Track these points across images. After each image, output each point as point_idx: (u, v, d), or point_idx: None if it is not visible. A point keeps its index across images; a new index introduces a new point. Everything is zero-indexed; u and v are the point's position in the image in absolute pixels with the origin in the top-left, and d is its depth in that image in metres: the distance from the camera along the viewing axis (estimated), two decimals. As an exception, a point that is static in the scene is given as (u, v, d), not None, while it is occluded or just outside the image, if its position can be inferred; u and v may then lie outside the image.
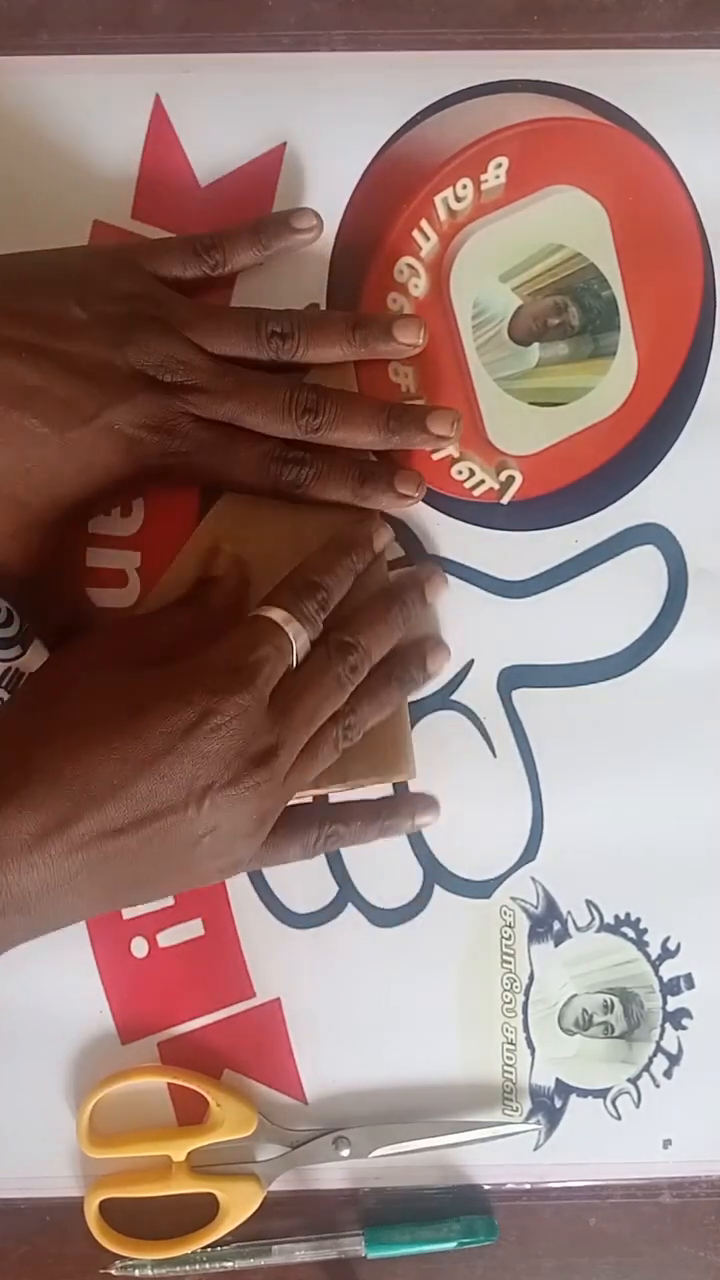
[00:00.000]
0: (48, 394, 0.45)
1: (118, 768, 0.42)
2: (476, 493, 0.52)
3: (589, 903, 0.53)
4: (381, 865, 0.52)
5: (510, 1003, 0.53)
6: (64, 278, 0.47)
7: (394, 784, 0.52)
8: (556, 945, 0.53)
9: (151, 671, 0.44)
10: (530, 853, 0.53)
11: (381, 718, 0.50)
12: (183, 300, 0.48)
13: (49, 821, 0.41)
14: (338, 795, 0.51)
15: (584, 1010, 0.53)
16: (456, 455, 0.52)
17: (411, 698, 0.52)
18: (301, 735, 0.46)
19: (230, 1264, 0.51)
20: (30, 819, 0.41)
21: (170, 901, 0.52)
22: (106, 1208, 0.52)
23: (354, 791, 0.51)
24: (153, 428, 0.47)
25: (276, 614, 0.46)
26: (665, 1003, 0.53)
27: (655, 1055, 0.53)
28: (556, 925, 0.53)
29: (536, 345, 0.52)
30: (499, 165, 0.51)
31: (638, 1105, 0.53)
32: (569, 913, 0.53)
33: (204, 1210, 0.51)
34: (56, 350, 0.45)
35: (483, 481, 0.52)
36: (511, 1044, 0.53)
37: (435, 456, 0.52)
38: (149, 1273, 0.51)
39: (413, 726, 0.52)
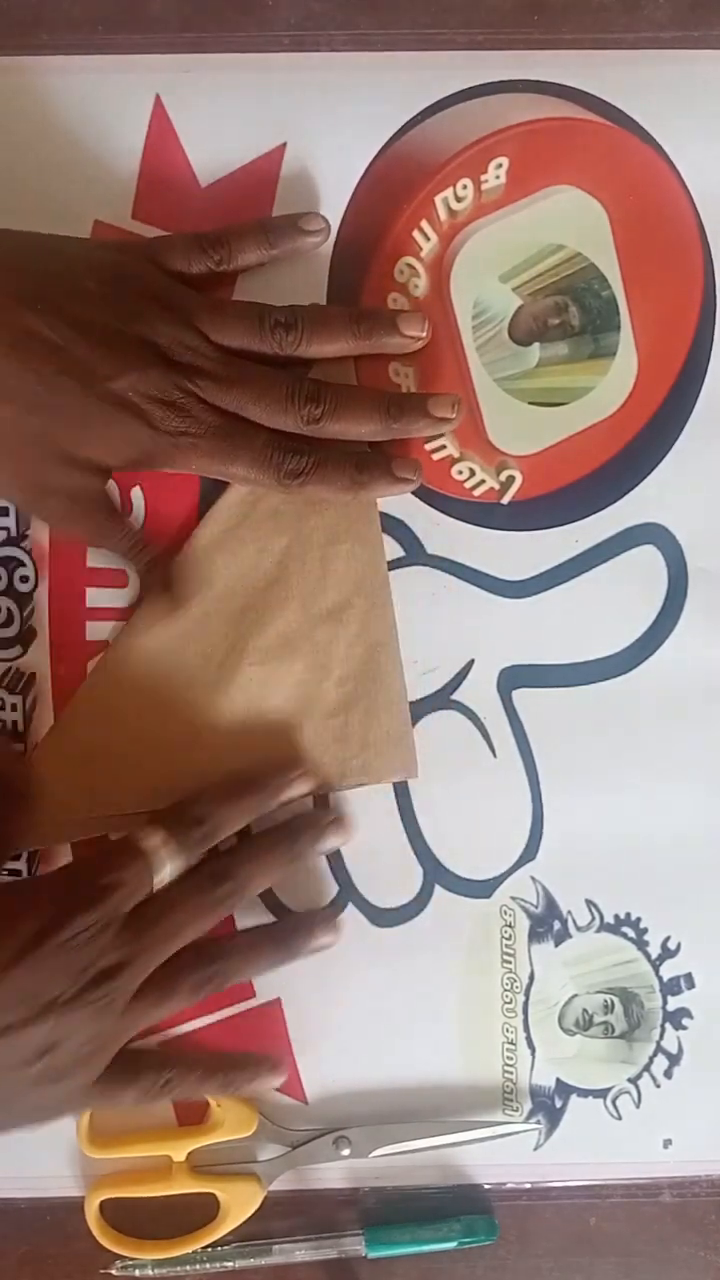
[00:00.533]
0: (68, 354, 0.45)
1: None
2: (477, 493, 0.52)
3: (589, 902, 0.53)
4: (382, 865, 0.52)
5: (510, 1003, 0.53)
6: (76, 255, 0.48)
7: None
8: (557, 945, 0.53)
9: (12, 883, 0.45)
10: (530, 852, 0.53)
11: (252, 970, 0.50)
12: (188, 292, 0.48)
13: None
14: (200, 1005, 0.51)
15: (584, 1010, 0.53)
16: (457, 455, 0.52)
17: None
18: (153, 955, 0.46)
19: (231, 1264, 0.51)
20: None
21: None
22: (107, 1207, 0.52)
23: (197, 1022, 0.51)
24: (163, 403, 0.47)
25: (148, 840, 0.46)
26: (665, 1002, 0.53)
27: (655, 1055, 0.53)
28: (557, 925, 0.53)
29: (537, 345, 0.52)
30: (499, 165, 0.51)
31: (638, 1105, 0.53)
32: (569, 912, 0.53)
33: (204, 1210, 0.51)
34: (73, 314, 0.45)
35: (483, 481, 0.52)
36: (512, 1044, 0.53)
37: (436, 456, 0.52)
38: (149, 1272, 0.51)
39: (413, 727, 0.52)
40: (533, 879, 0.53)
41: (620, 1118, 0.53)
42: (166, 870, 0.47)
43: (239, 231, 0.49)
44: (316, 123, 0.51)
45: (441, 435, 0.52)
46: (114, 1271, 0.51)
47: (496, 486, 0.52)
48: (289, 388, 0.48)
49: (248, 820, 0.50)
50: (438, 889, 0.53)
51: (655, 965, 0.53)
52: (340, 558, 0.51)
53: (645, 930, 0.53)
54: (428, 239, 0.51)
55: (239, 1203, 0.51)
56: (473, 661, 0.53)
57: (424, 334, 0.50)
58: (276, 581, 0.51)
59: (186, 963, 0.47)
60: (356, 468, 0.49)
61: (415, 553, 0.52)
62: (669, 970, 0.53)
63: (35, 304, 0.45)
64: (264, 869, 0.49)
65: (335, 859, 0.52)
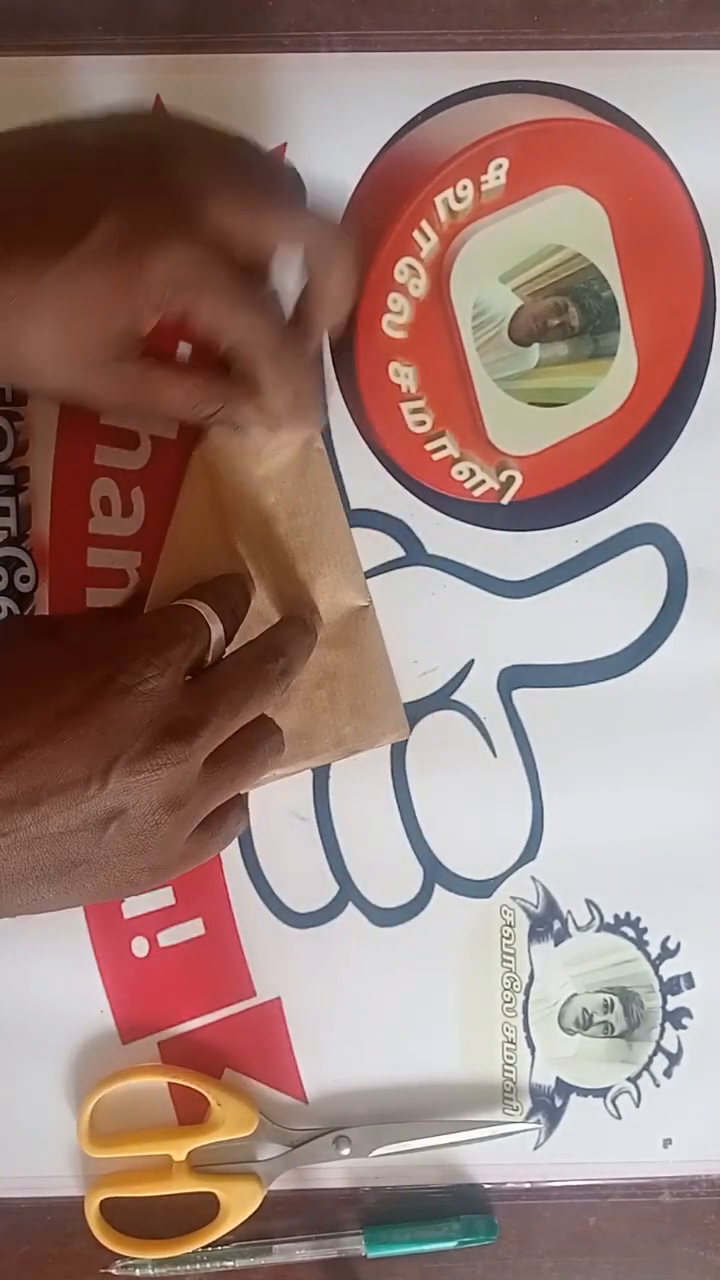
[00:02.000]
0: (27, 232, 0.41)
1: (17, 730, 0.39)
2: (477, 493, 0.52)
3: (589, 902, 0.53)
4: (382, 865, 0.52)
5: (510, 1002, 0.53)
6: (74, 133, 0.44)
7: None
8: (557, 945, 0.53)
9: (69, 641, 0.43)
10: (530, 852, 0.53)
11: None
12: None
13: None
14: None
15: (584, 1009, 0.53)
16: (457, 455, 0.52)
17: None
18: (225, 723, 0.42)
19: (231, 1263, 0.51)
20: None
21: (171, 900, 0.52)
22: (107, 1207, 0.52)
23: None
24: (165, 234, 0.41)
25: (195, 604, 0.45)
26: (665, 1002, 0.53)
27: (655, 1054, 0.53)
28: (557, 924, 0.53)
29: (537, 346, 0.52)
30: (499, 166, 0.51)
31: (638, 1104, 0.53)
32: (569, 912, 0.53)
33: (204, 1209, 0.51)
34: (28, 179, 0.41)
35: (483, 482, 0.52)
36: (512, 1043, 0.53)
37: (436, 457, 0.52)
38: (149, 1272, 0.51)
39: (413, 727, 0.52)
40: (533, 879, 0.53)
41: (620, 1117, 0.53)
42: (217, 630, 0.44)
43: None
44: (316, 123, 0.51)
45: (442, 436, 0.52)
46: (114, 1271, 0.51)
47: (496, 487, 0.52)
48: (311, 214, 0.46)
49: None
50: (438, 889, 0.53)
51: (655, 965, 0.53)
52: (304, 531, 0.51)
53: (645, 930, 0.53)
54: (428, 239, 0.51)
55: (239, 1202, 0.51)
56: (473, 661, 0.53)
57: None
58: (248, 561, 0.51)
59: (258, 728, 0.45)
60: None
61: (415, 553, 0.52)
62: (669, 970, 0.53)
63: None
64: (301, 648, 0.47)
65: (335, 858, 0.52)
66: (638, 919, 0.53)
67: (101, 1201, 0.51)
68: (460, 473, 0.52)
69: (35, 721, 0.39)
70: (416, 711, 0.52)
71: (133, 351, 0.44)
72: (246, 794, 0.48)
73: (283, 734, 0.46)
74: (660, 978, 0.53)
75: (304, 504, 0.51)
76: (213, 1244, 0.51)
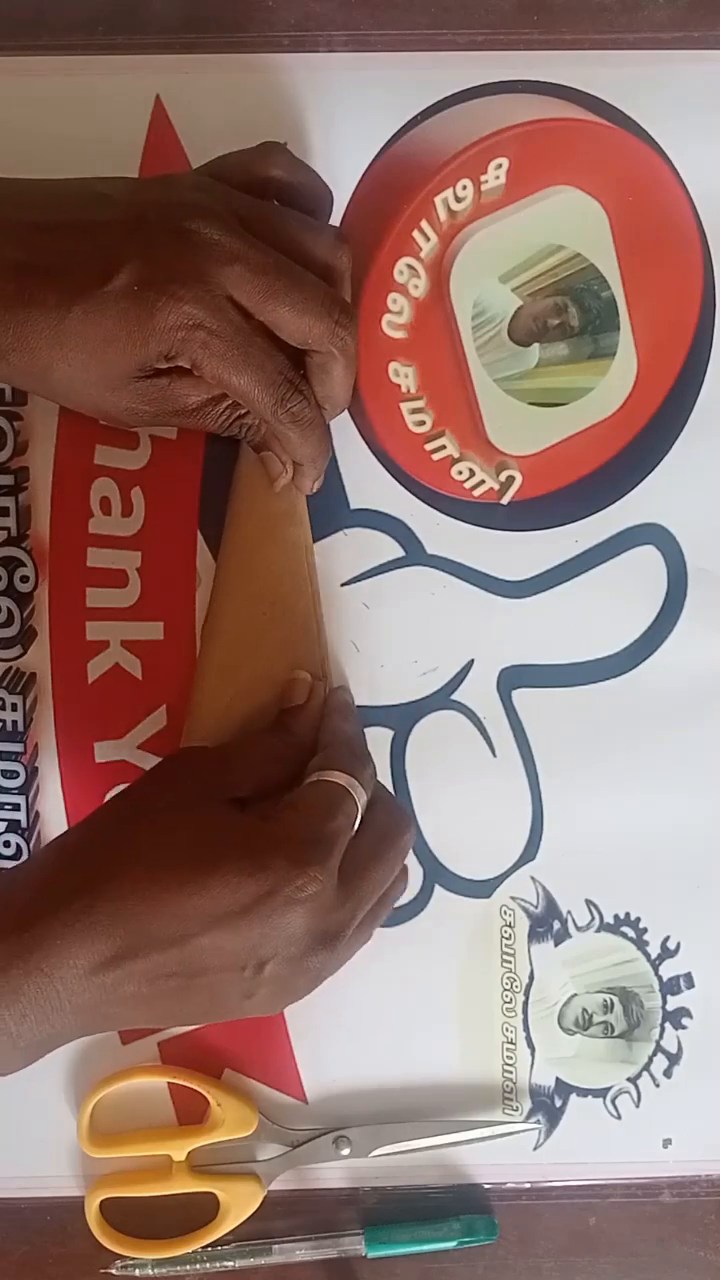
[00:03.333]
0: (57, 268, 0.44)
1: (184, 917, 0.41)
2: (477, 493, 0.52)
3: (589, 902, 0.53)
4: (382, 865, 0.52)
5: (510, 1002, 0.53)
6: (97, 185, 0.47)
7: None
8: (556, 945, 0.53)
9: (235, 820, 0.44)
10: (530, 852, 0.53)
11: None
12: (227, 188, 0.47)
13: (108, 952, 0.41)
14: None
15: (584, 1010, 0.53)
16: (457, 455, 0.52)
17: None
18: (366, 910, 0.45)
19: (231, 1263, 0.51)
20: (91, 949, 0.41)
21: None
22: (107, 1207, 0.52)
23: None
24: (176, 292, 0.43)
25: (342, 778, 0.46)
26: (665, 1002, 0.53)
27: (655, 1055, 0.53)
28: (556, 925, 0.53)
29: (536, 346, 0.52)
30: (499, 166, 0.51)
31: (637, 1105, 0.53)
32: (569, 912, 0.53)
33: (204, 1209, 0.51)
34: (55, 223, 0.44)
35: (483, 482, 0.52)
36: (511, 1043, 0.53)
37: (436, 457, 0.52)
38: (149, 1272, 0.51)
39: (413, 727, 0.52)
40: (532, 879, 0.53)
41: (620, 1117, 0.53)
42: (362, 802, 0.46)
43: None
44: (316, 123, 0.51)
45: (442, 436, 0.52)
46: (114, 1271, 0.51)
47: (496, 487, 0.52)
48: (326, 293, 0.46)
49: None
50: (438, 889, 0.53)
51: (655, 965, 0.53)
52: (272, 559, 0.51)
53: (645, 930, 0.53)
54: (428, 239, 0.51)
55: (239, 1202, 0.51)
56: (472, 661, 0.53)
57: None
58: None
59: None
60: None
61: (415, 553, 0.52)
62: (668, 970, 0.53)
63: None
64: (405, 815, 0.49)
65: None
66: (637, 919, 0.53)
67: (101, 1201, 0.51)
68: (460, 473, 0.52)
69: (203, 914, 0.42)
70: (416, 711, 0.52)
71: (155, 371, 0.46)
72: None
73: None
74: (660, 978, 0.53)
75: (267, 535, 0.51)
76: (213, 1244, 0.51)
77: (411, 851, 0.52)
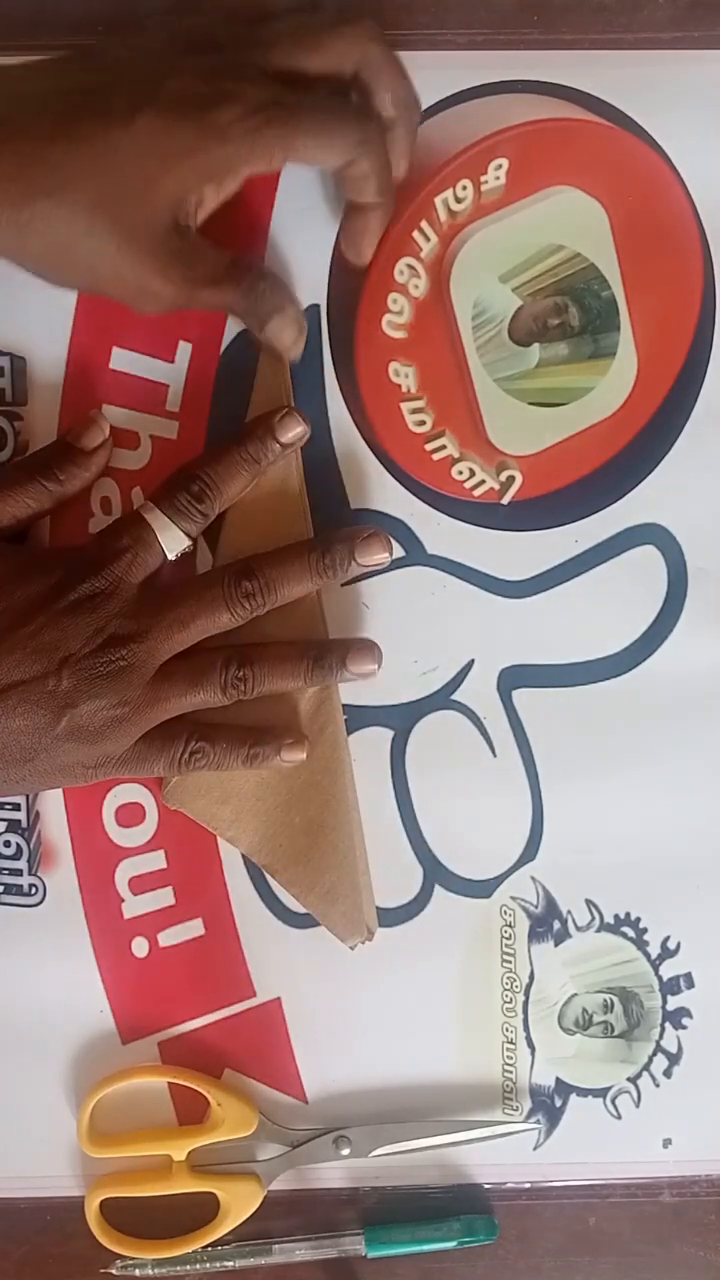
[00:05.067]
0: (88, 103, 0.44)
1: None
2: (477, 493, 0.52)
3: (589, 902, 0.53)
4: (382, 865, 0.52)
5: (510, 1002, 0.53)
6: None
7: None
8: (556, 945, 0.53)
9: (24, 553, 0.48)
10: (530, 852, 0.53)
11: (282, 689, 0.49)
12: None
13: None
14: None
15: (584, 1009, 0.53)
16: (457, 455, 0.52)
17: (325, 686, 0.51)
18: (171, 635, 0.47)
19: (231, 1263, 0.51)
20: None
21: (171, 900, 0.52)
22: (107, 1207, 0.52)
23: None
24: (219, 92, 0.44)
25: (146, 509, 0.48)
26: (665, 1002, 0.53)
27: (655, 1054, 0.53)
28: (556, 925, 0.53)
29: (537, 346, 0.52)
30: (499, 166, 0.51)
31: (637, 1104, 0.53)
32: (569, 912, 0.53)
33: (204, 1210, 0.51)
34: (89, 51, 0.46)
35: (483, 482, 0.52)
36: (511, 1043, 0.53)
37: (436, 457, 0.52)
38: (149, 1272, 0.51)
39: (413, 727, 0.52)
40: (532, 879, 0.53)
41: (620, 1117, 0.53)
42: (173, 535, 0.48)
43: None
44: (317, 123, 0.51)
45: (442, 436, 0.52)
46: (114, 1271, 0.51)
47: (496, 487, 0.52)
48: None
49: (246, 475, 0.49)
50: (438, 889, 0.53)
51: (655, 965, 0.53)
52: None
53: (645, 930, 0.53)
54: (428, 239, 0.51)
55: (239, 1202, 0.51)
56: (473, 661, 0.53)
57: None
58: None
59: (218, 657, 0.48)
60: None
61: (415, 553, 0.52)
62: (669, 970, 0.53)
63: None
64: (291, 574, 0.49)
65: (335, 859, 0.52)
66: (638, 919, 0.53)
67: (101, 1201, 0.51)
68: (460, 473, 0.52)
69: None
70: (416, 711, 0.52)
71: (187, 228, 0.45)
72: (213, 739, 0.49)
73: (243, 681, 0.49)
74: (660, 978, 0.53)
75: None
76: (213, 1244, 0.51)
77: (411, 851, 0.52)
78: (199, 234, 0.46)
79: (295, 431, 0.49)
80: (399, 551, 0.52)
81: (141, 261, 0.45)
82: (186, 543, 0.48)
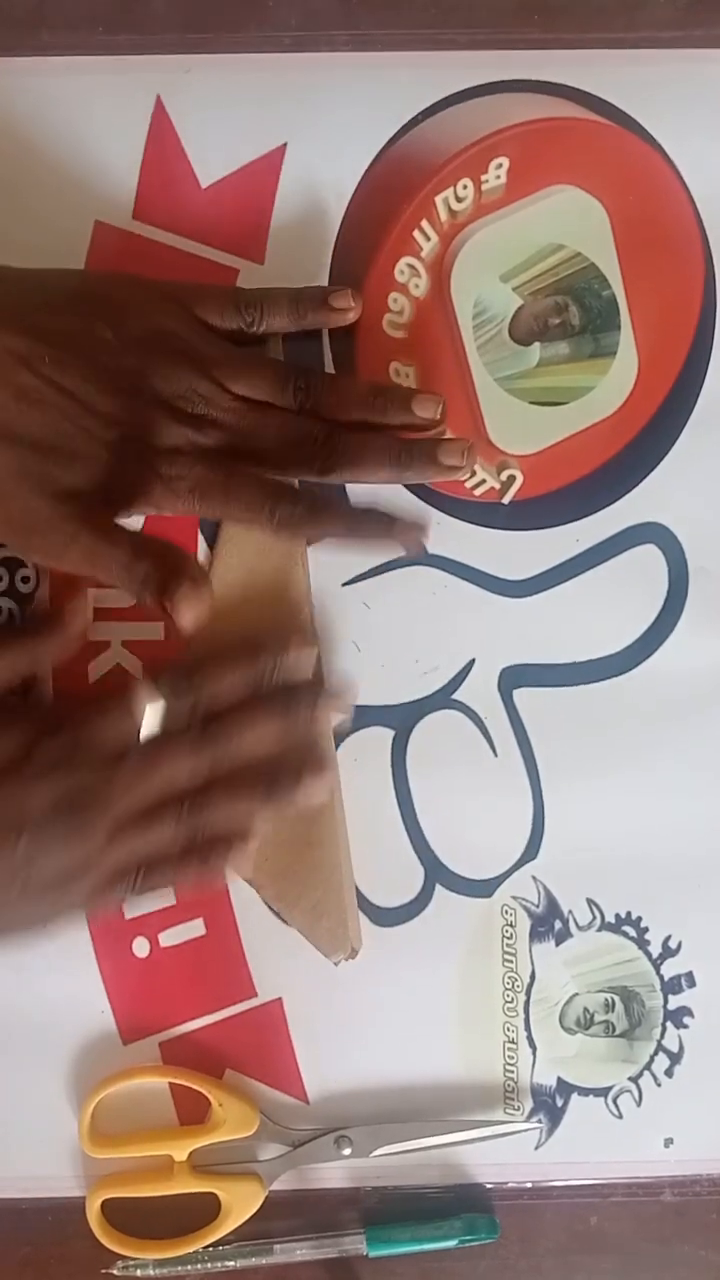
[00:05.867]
0: (59, 387, 0.45)
1: None
2: (478, 492, 0.52)
3: (590, 901, 0.53)
4: (383, 865, 0.52)
5: (511, 1002, 0.53)
6: (102, 300, 0.47)
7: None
8: (558, 944, 0.53)
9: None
10: (531, 852, 0.53)
11: (235, 818, 0.48)
12: (215, 340, 0.49)
13: None
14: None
15: (585, 1009, 0.53)
16: (457, 455, 0.52)
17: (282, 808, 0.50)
18: (131, 784, 0.46)
19: (232, 1263, 0.51)
20: None
21: (172, 901, 0.52)
22: (108, 1207, 0.52)
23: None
24: (162, 451, 0.47)
25: (134, 683, 0.47)
26: (666, 1001, 0.53)
27: (656, 1054, 0.53)
28: (558, 924, 0.53)
29: (537, 345, 0.52)
30: (499, 165, 0.51)
31: (639, 1104, 0.53)
32: (570, 912, 0.53)
33: (206, 1210, 0.51)
34: (78, 361, 0.46)
35: (484, 481, 0.52)
36: (513, 1043, 0.53)
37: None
38: (151, 1272, 0.51)
39: (414, 726, 0.52)
40: (534, 878, 0.53)
41: (621, 1117, 0.53)
42: (151, 711, 0.47)
43: (275, 297, 0.49)
44: (317, 123, 0.51)
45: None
46: (115, 1272, 0.51)
47: (497, 486, 0.52)
48: (308, 433, 0.48)
49: (238, 683, 0.49)
50: (439, 888, 0.53)
51: (656, 964, 0.53)
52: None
53: (646, 929, 0.53)
54: (428, 239, 0.51)
55: (240, 1202, 0.51)
56: (474, 661, 0.53)
57: (439, 417, 0.50)
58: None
59: (173, 802, 0.48)
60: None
61: (421, 553, 0.52)
62: (670, 969, 0.53)
63: (29, 339, 0.45)
64: (256, 725, 0.49)
65: (336, 858, 0.52)
66: (639, 918, 0.53)
67: (103, 1202, 0.51)
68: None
69: None
70: (417, 711, 0.52)
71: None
72: (203, 852, 0.48)
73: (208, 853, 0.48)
74: (661, 977, 0.53)
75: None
76: (214, 1244, 0.51)
77: (412, 851, 0.52)
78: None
79: (303, 661, 0.50)
80: (400, 551, 0.52)
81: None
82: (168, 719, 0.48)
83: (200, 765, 0.48)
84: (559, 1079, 0.53)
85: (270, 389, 0.48)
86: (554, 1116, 0.53)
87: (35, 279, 0.48)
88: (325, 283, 0.51)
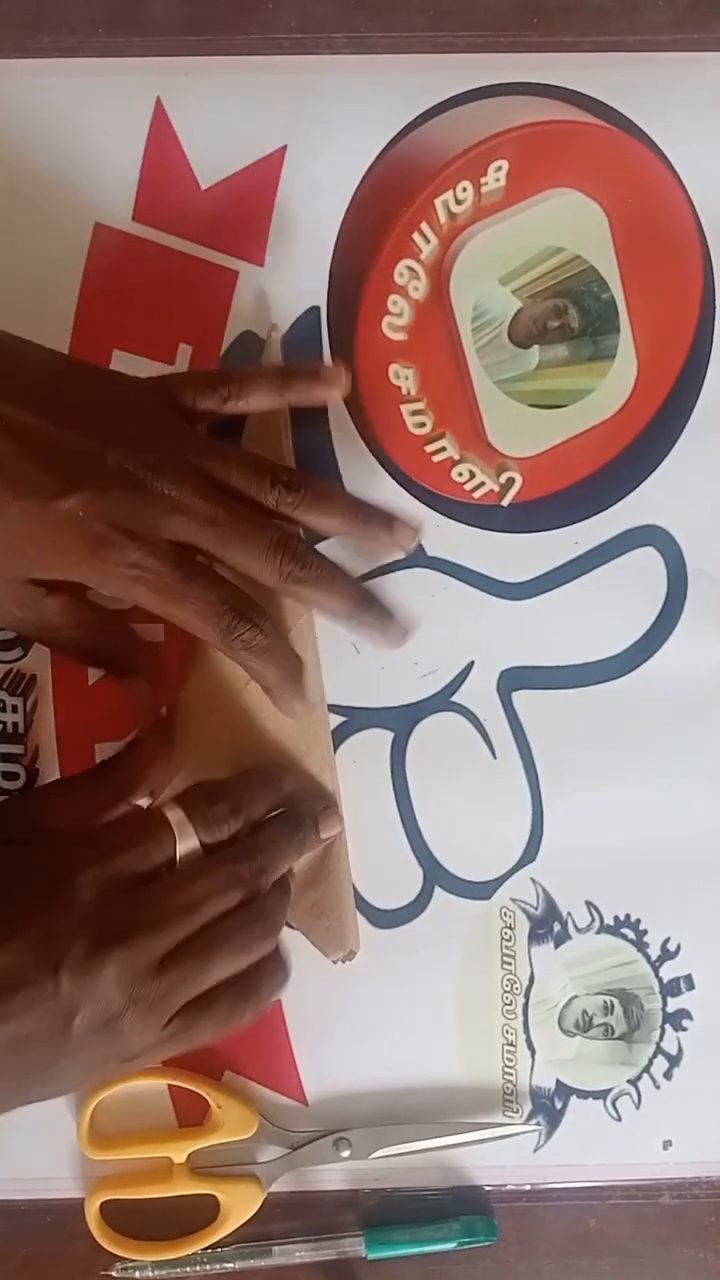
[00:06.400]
0: (12, 468, 0.43)
1: None
2: (477, 495, 0.52)
3: (589, 904, 0.53)
4: (382, 866, 0.52)
5: (510, 1004, 0.53)
6: (73, 406, 0.45)
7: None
8: (557, 946, 0.53)
9: (27, 853, 0.45)
10: (530, 854, 0.53)
11: (263, 952, 0.47)
12: (198, 434, 0.47)
13: None
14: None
15: (584, 1011, 0.53)
16: (457, 457, 0.52)
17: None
18: (177, 921, 0.44)
19: (231, 1265, 0.51)
20: None
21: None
22: (107, 1209, 0.52)
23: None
24: (122, 529, 0.44)
25: (170, 811, 0.46)
26: (665, 1004, 0.53)
27: (655, 1056, 0.53)
28: (557, 926, 0.53)
29: (536, 348, 0.52)
30: (499, 168, 0.51)
31: (638, 1106, 0.53)
32: (569, 914, 0.53)
33: (205, 1211, 0.51)
34: (32, 426, 0.43)
35: (483, 484, 0.52)
36: (512, 1045, 0.53)
37: (436, 459, 0.52)
38: (149, 1274, 0.51)
39: (413, 728, 0.52)
40: (532, 880, 0.53)
41: (620, 1119, 0.53)
42: (186, 843, 0.46)
43: (253, 376, 0.48)
44: (317, 125, 0.51)
45: (442, 438, 0.52)
46: (114, 1273, 0.51)
47: (496, 488, 0.52)
48: (274, 539, 0.46)
49: (268, 809, 0.49)
50: (438, 890, 0.53)
51: (655, 966, 0.53)
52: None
53: (645, 932, 0.53)
54: (428, 241, 0.51)
55: (239, 1204, 0.51)
56: (473, 663, 0.53)
57: (411, 546, 0.51)
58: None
59: (219, 933, 0.46)
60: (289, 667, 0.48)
61: (415, 554, 0.52)
62: (669, 971, 0.53)
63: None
64: (285, 850, 0.48)
65: (335, 861, 0.52)
66: (638, 921, 0.53)
67: (102, 1204, 0.51)
68: (460, 474, 0.52)
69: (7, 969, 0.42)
70: (416, 713, 0.52)
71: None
72: (251, 984, 0.47)
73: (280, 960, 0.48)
74: (660, 979, 0.53)
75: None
76: (213, 1246, 0.51)
77: (411, 853, 0.52)
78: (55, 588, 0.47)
79: (334, 830, 0.51)
80: (399, 553, 0.52)
81: None
82: (196, 846, 0.46)
83: (244, 890, 0.46)
84: (558, 1081, 0.53)
85: (248, 482, 0.46)
86: (553, 1119, 0.53)
87: (13, 359, 0.46)
88: (325, 288, 0.51)
